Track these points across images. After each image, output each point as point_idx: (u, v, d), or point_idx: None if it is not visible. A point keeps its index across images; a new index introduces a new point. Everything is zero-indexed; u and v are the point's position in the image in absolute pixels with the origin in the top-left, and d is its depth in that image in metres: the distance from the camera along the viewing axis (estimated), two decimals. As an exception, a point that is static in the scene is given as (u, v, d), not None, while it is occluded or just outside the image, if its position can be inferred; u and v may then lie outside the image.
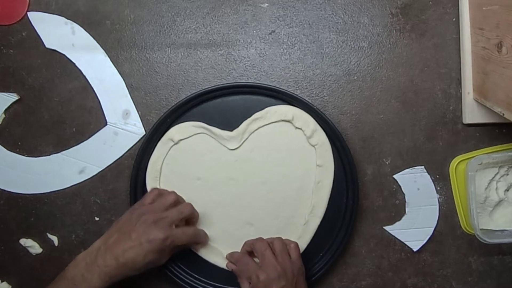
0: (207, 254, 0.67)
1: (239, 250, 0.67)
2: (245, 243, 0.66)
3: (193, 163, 0.68)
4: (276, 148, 0.68)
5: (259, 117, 0.68)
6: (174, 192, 0.65)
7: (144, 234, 0.58)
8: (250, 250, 0.64)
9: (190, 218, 0.65)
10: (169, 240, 0.59)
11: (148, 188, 0.68)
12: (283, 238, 0.65)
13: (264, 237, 0.67)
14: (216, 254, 0.67)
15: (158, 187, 0.68)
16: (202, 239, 0.66)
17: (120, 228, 0.59)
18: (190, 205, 0.65)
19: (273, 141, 0.68)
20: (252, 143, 0.68)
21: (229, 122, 0.68)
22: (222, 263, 0.67)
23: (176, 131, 0.68)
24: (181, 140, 0.68)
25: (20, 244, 0.70)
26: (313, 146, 0.68)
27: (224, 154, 0.68)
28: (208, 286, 0.68)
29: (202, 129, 0.68)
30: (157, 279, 0.70)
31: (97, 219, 0.70)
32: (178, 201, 0.64)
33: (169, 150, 0.68)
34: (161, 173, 0.68)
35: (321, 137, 0.67)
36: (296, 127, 0.68)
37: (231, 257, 0.66)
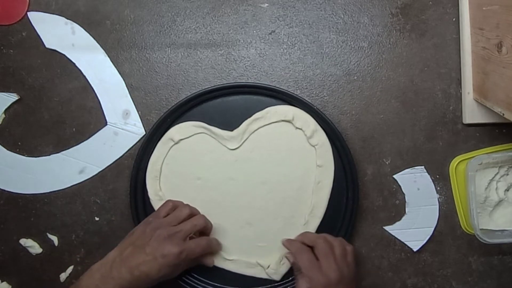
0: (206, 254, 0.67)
1: (239, 246, 0.67)
2: (304, 235, 0.65)
3: (193, 163, 0.68)
4: (276, 148, 0.68)
5: (260, 117, 0.68)
6: (188, 205, 0.65)
7: (158, 249, 0.58)
8: (311, 245, 0.62)
9: (204, 230, 0.65)
10: (183, 254, 0.58)
11: (148, 187, 0.68)
12: (309, 234, 0.65)
13: (264, 237, 0.67)
14: (219, 259, 0.67)
15: (158, 187, 0.68)
16: (215, 248, 0.66)
17: (135, 241, 0.59)
18: (203, 217, 0.64)
19: (273, 141, 0.68)
20: (252, 143, 0.68)
21: (229, 122, 0.68)
22: (221, 263, 0.67)
23: (176, 131, 0.68)
24: (181, 140, 0.68)
25: (20, 244, 0.70)
26: (313, 146, 0.68)
27: (224, 154, 0.68)
28: (208, 286, 0.68)
29: (202, 129, 0.68)
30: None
31: (97, 219, 0.70)
32: (192, 213, 0.64)
33: (169, 150, 0.68)
34: (161, 173, 0.68)
35: (321, 137, 0.67)
36: (297, 127, 0.68)
37: (290, 245, 0.64)
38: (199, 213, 0.66)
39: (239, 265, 0.68)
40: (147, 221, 0.62)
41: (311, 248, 0.62)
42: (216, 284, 0.68)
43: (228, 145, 0.68)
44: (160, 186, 0.68)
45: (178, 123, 0.68)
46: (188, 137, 0.68)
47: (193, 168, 0.68)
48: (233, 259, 0.67)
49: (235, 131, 0.68)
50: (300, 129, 0.68)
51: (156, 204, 0.68)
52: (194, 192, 0.68)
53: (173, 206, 0.64)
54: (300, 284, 0.61)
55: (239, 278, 0.67)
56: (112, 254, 0.59)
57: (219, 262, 0.67)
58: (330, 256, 0.60)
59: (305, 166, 0.68)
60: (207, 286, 0.67)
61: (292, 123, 0.68)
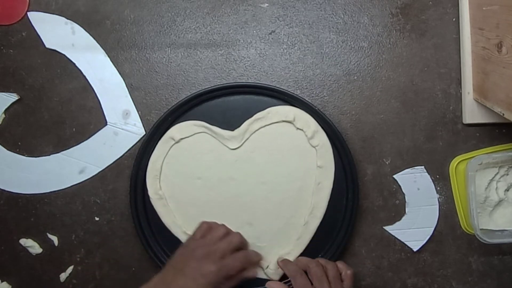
0: None
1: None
2: (298, 260, 0.65)
3: (193, 162, 0.68)
4: (277, 149, 0.68)
5: (261, 117, 0.68)
6: (223, 225, 0.65)
7: (197, 269, 0.58)
8: (304, 269, 0.63)
9: (241, 246, 0.64)
10: (222, 271, 0.58)
11: (148, 186, 0.68)
12: (324, 259, 0.65)
13: (264, 237, 0.67)
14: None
15: (158, 186, 0.68)
16: (254, 260, 0.65)
17: (175, 265, 0.60)
18: (239, 234, 0.64)
19: (274, 142, 0.68)
20: (253, 143, 0.68)
21: (230, 121, 0.68)
22: None
23: (177, 130, 0.68)
24: (182, 139, 0.68)
25: (20, 244, 0.70)
26: (314, 147, 0.68)
27: (225, 154, 0.68)
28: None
29: (203, 128, 0.68)
30: (152, 273, 0.70)
31: (97, 219, 0.70)
32: (227, 232, 0.64)
33: (169, 149, 0.68)
34: (161, 172, 0.68)
35: (322, 138, 0.67)
36: (297, 128, 0.68)
37: (285, 267, 0.64)
38: (232, 231, 0.66)
39: None
40: (185, 245, 0.63)
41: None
42: None
43: (228, 144, 0.68)
44: (160, 185, 0.68)
45: (179, 122, 0.68)
46: (189, 136, 0.68)
47: (193, 167, 0.68)
48: None
49: (236, 130, 0.68)
50: (301, 129, 0.68)
51: (156, 203, 0.68)
52: (194, 191, 0.68)
53: (208, 227, 0.64)
54: None
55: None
56: (154, 280, 0.59)
57: None
58: (323, 280, 0.60)
59: (306, 166, 0.68)
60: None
61: (293, 124, 0.68)
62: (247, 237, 0.67)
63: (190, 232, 0.67)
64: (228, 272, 0.59)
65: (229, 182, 0.68)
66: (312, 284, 0.60)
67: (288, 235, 0.68)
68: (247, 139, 0.68)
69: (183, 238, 0.67)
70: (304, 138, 0.68)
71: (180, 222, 0.68)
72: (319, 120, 0.68)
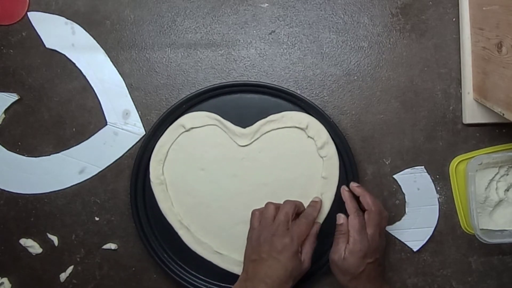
0: (202, 251, 0.68)
1: (231, 243, 0.68)
2: (364, 196, 0.64)
3: (200, 153, 0.68)
4: (285, 153, 0.68)
5: (274, 119, 0.68)
6: (270, 203, 0.64)
7: (274, 249, 0.58)
8: (366, 207, 0.63)
9: (298, 211, 0.64)
10: (295, 239, 0.59)
11: (151, 169, 0.68)
12: None
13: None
14: (208, 251, 0.68)
15: (161, 171, 0.68)
16: (314, 214, 0.64)
17: (251, 258, 0.60)
18: (288, 202, 0.63)
19: (283, 146, 0.68)
20: (262, 144, 0.68)
21: (243, 119, 0.68)
22: (210, 256, 0.68)
23: (189, 119, 0.68)
24: (192, 128, 0.68)
25: (20, 244, 0.71)
26: (322, 157, 0.67)
27: (233, 150, 0.68)
28: (198, 280, 0.68)
29: (215, 121, 0.68)
30: (152, 273, 0.70)
31: (97, 219, 0.70)
32: (277, 207, 0.63)
33: (178, 136, 0.68)
34: (166, 157, 0.68)
35: (331, 150, 0.67)
36: (308, 136, 0.68)
37: (350, 203, 0.64)
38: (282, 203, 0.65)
39: (228, 262, 0.68)
40: (248, 239, 0.63)
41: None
42: (209, 280, 0.68)
43: (238, 141, 0.68)
44: (163, 170, 0.68)
45: (192, 111, 0.68)
46: (200, 126, 0.68)
47: (199, 158, 0.68)
48: (223, 253, 0.68)
49: (248, 128, 0.68)
50: (312, 138, 0.67)
51: (156, 187, 0.68)
52: (195, 181, 0.68)
53: (259, 212, 0.64)
54: (340, 244, 0.62)
55: (229, 276, 0.67)
56: (240, 277, 0.60)
57: (208, 255, 0.68)
58: (376, 227, 0.61)
59: (310, 175, 0.68)
60: (204, 282, 0.68)
61: (305, 131, 0.67)
62: (241, 236, 0.67)
63: (185, 222, 0.68)
64: (299, 237, 0.60)
65: (231, 178, 0.68)
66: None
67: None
68: (257, 139, 0.68)
69: (177, 226, 0.68)
70: (314, 147, 0.68)
71: (176, 210, 0.68)
72: (331, 132, 0.67)
